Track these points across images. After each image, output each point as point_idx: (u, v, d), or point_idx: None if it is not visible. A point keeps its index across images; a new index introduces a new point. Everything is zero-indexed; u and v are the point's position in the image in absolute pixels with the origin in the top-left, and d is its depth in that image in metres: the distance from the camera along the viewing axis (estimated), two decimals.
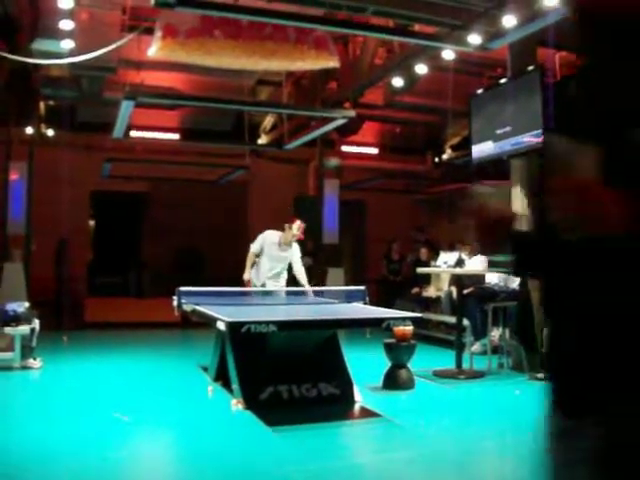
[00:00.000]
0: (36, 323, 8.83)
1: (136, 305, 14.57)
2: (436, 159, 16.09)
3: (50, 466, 4.99)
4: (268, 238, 9.17)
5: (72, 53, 9.34)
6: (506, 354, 8.96)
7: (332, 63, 9.32)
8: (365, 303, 8.21)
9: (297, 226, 9.04)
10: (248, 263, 9.17)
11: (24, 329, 8.59)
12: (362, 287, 8.55)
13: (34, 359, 8.69)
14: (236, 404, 6.60)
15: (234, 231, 16.33)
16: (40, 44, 9.53)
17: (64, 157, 13.85)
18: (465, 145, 11.32)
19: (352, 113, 10.96)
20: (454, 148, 15.37)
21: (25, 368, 8.53)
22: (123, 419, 6.30)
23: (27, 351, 8.64)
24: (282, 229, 9.11)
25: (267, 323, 6.15)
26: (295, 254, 9.22)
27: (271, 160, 15.79)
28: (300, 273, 9.17)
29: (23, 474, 4.78)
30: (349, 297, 8.62)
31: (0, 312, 8.81)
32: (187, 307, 7.77)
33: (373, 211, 17.66)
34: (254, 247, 9.21)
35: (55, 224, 13.94)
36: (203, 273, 14.87)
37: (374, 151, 16.76)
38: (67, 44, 9.29)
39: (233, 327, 6.07)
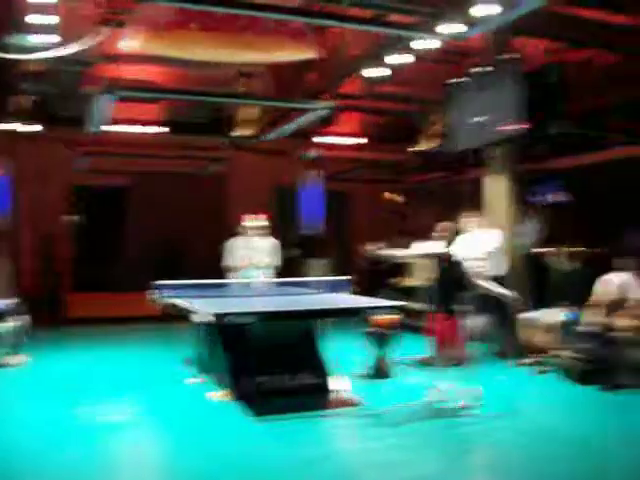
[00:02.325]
0: (26, 319, 8.81)
1: (118, 299, 14.48)
2: (415, 148, 16.11)
3: (33, 460, 5.01)
4: (231, 245, 9.64)
5: (48, 47, 9.28)
6: (489, 341, 9.02)
7: (310, 54, 9.32)
8: (350, 293, 8.26)
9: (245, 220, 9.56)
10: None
11: (10, 325, 8.60)
12: (347, 277, 8.58)
13: (19, 355, 8.68)
14: (218, 395, 6.63)
15: (214, 223, 16.28)
16: (17, 39, 9.46)
17: (44, 152, 13.80)
18: (444, 134, 11.35)
19: (332, 104, 10.98)
20: (434, 137, 15.39)
21: (10, 365, 8.53)
22: (104, 413, 6.33)
23: (14, 347, 8.62)
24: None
25: (247, 314, 6.19)
26: (267, 249, 9.62)
27: (250, 152, 15.76)
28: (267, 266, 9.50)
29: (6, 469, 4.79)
30: (334, 287, 8.66)
31: None
32: (166, 300, 7.75)
33: (356, 201, 17.68)
34: (226, 261, 9.56)
35: (37, 219, 13.90)
36: (184, 266, 14.81)
37: (354, 141, 16.75)
38: (44, 38, 9.22)
39: (213, 319, 6.09)
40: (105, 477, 4.81)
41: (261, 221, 9.45)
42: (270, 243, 9.56)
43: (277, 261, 9.52)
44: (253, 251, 9.46)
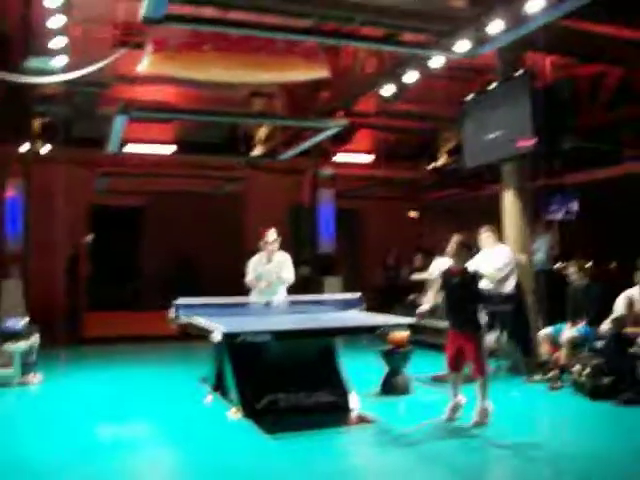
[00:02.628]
0: (36, 338, 8.87)
1: (134, 318, 14.55)
2: (430, 166, 16.14)
3: (42, 473, 5.04)
4: (254, 261, 9.40)
5: (65, 70, 9.41)
6: (502, 357, 9.01)
7: (323, 73, 9.38)
8: (361, 310, 8.26)
9: (269, 234, 9.34)
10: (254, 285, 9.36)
11: (23, 345, 8.64)
12: (358, 294, 8.59)
13: (34, 374, 8.73)
14: (234, 413, 6.65)
15: (231, 242, 16.36)
16: (33, 62, 9.59)
17: (60, 173, 13.92)
18: (459, 151, 11.38)
19: (345, 122, 11.03)
20: (448, 154, 15.42)
21: (25, 384, 8.57)
22: (120, 432, 6.36)
23: (27, 367, 8.68)
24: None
25: (262, 333, 6.23)
26: (282, 263, 9.36)
27: (266, 171, 15.84)
28: (283, 281, 9.33)
29: None
30: (346, 305, 8.66)
31: (0, 329, 8.86)
32: (183, 319, 7.79)
33: (369, 219, 17.71)
34: (249, 276, 9.35)
35: (53, 239, 13.99)
36: (200, 284, 14.89)
37: (369, 159, 16.80)
38: (60, 61, 9.35)
39: (228, 337, 6.13)
40: None
41: (274, 235, 9.40)
42: (284, 257, 9.52)
43: (292, 274, 9.45)
44: (273, 266, 9.41)
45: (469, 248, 6.66)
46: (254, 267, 9.38)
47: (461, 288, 6.44)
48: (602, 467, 5.29)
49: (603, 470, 5.23)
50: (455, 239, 6.56)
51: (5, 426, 6.86)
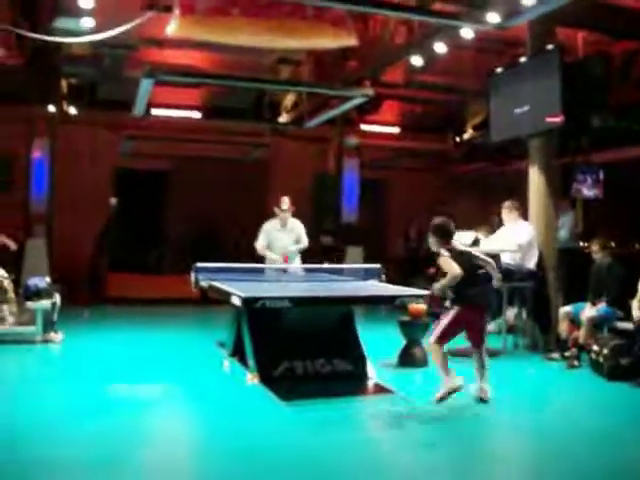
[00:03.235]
0: (57, 298, 8.98)
1: (156, 281, 14.69)
2: (457, 138, 16.05)
3: (64, 435, 5.12)
4: (267, 227, 9.60)
5: (93, 31, 9.40)
6: (521, 334, 9.00)
7: (350, 42, 9.30)
8: (381, 281, 8.26)
9: (283, 202, 9.54)
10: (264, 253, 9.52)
11: (45, 303, 8.76)
12: (377, 265, 8.59)
13: (55, 332, 8.84)
14: (251, 379, 6.70)
15: (255, 209, 16.39)
16: (61, 22, 9.59)
17: (86, 134, 13.99)
18: (486, 125, 11.29)
19: (371, 92, 10.96)
20: (475, 127, 15.31)
21: (46, 341, 8.70)
22: (139, 390, 6.44)
23: (48, 325, 8.80)
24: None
25: (281, 299, 6.25)
26: (296, 229, 9.63)
27: (292, 138, 15.82)
28: (298, 247, 9.62)
29: (39, 444, 4.90)
30: (365, 275, 8.68)
31: (22, 287, 8.99)
32: (204, 283, 7.86)
33: (393, 190, 17.65)
34: (260, 242, 9.53)
35: (77, 201, 14.10)
36: (223, 250, 14.96)
37: (395, 130, 16.72)
38: (88, 22, 9.34)
39: (248, 302, 6.16)
40: (132, 446, 4.90)
41: (288, 202, 9.60)
42: (298, 224, 9.71)
43: (306, 241, 9.66)
44: (287, 232, 9.62)
45: (445, 232, 6.26)
46: (267, 232, 9.56)
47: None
48: (614, 446, 5.28)
49: (615, 449, 5.22)
50: (435, 221, 6.35)
51: (24, 382, 6.97)
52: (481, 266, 6.27)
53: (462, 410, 6.08)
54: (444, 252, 6.08)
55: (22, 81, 12.13)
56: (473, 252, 6.39)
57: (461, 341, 8.67)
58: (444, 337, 6.12)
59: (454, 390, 5.97)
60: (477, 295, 6.16)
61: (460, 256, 6.12)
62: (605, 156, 12.61)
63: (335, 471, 4.51)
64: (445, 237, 6.23)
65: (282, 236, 9.56)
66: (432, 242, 6.31)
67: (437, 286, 6.09)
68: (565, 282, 9.31)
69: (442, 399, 5.95)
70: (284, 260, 9.52)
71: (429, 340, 6.17)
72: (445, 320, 6.12)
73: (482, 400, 6.11)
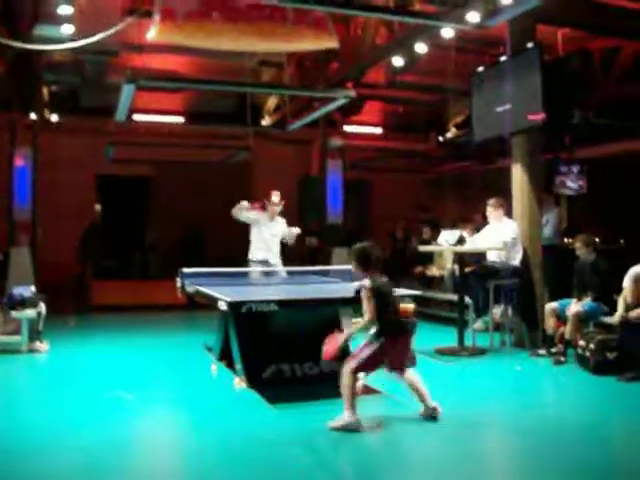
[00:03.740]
0: (42, 307, 8.93)
1: (142, 287, 14.63)
2: (440, 138, 16.08)
3: (54, 445, 5.09)
4: (257, 215, 9.90)
5: (73, 38, 9.37)
6: (508, 331, 9.03)
7: (331, 44, 9.31)
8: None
9: (274, 196, 9.89)
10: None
11: (30, 313, 8.71)
12: None
13: (41, 342, 8.79)
14: (239, 383, 6.69)
15: None
16: (41, 30, 9.56)
17: (68, 142, 13.94)
18: (468, 124, 11.33)
19: (352, 93, 10.96)
20: (458, 127, 15.35)
21: (32, 351, 8.65)
22: (127, 398, 6.42)
23: (34, 334, 8.75)
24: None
25: (268, 302, 6.24)
26: (282, 226, 9.97)
27: (274, 141, 15.82)
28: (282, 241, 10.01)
29: (27, 455, 4.88)
30: (352, 276, 8.67)
31: (7, 296, 8.93)
32: (190, 288, 7.85)
33: (377, 190, 17.71)
34: (240, 212, 9.86)
35: (61, 208, 14.05)
36: (207, 254, 14.94)
37: (377, 131, 16.76)
38: (68, 29, 9.31)
39: (234, 307, 6.16)
40: (122, 453, 4.89)
41: (279, 196, 9.98)
42: (283, 221, 10.06)
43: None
44: (274, 226, 9.94)
45: (367, 259, 5.70)
46: (255, 218, 9.87)
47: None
48: (602, 441, 5.32)
49: (602, 443, 5.26)
50: (356, 245, 5.87)
51: (11, 392, 6.94)
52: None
53: (450, 409, 6.09)
54: (367, 284, 5.59)
55: (3, 89, 12.06)
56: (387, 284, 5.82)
57: (446, 340, 8.78)
58: (364, 368, 5.66)
59: (350, 428, 5.38)
60: (400, 323, 5.81)
61: (382, 287, 5.70)
62: (588, 152, 12.70)
63: (323, 474, 4.52)
64: (367, 265, 5.70)
65: (268, 229, 9.83)
66: (353, 268, 5.85)
67: (344, 337, 5.65)
68: (550, 278, 9.36)
69: (334, 429, 5.38)
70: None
71: (347, 365, 5.52)
72: (368, 351, 5.57)
73: (433, 418, 5.66)
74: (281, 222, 9.96)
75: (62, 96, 13.37)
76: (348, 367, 5.50)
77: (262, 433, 5.39)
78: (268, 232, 9.82)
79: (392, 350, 5.65)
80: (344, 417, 5.40)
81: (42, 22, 9.57)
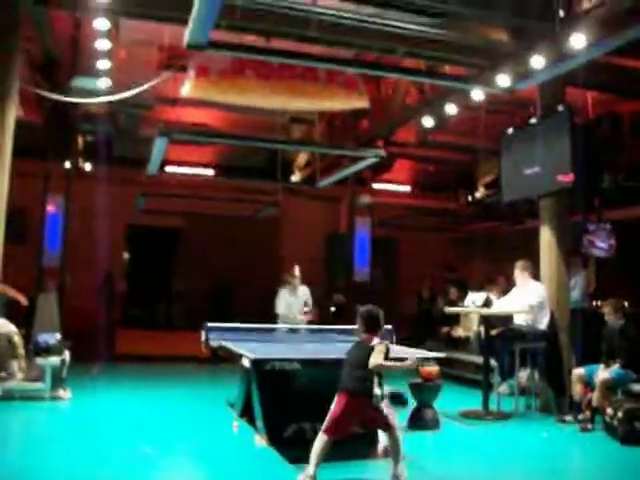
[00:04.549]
0: (66, 355, 8.96)
1: (166, 338, 14.66)
2: (469, 197, 16.09)
3: None
4: (282, 294, 10.83)
5: (109, 91, 9.57)
6: (534, 395, 8.89)
7: (362, 103, 9.42)
8: (392, 342, 8.20)
9: (295, 270, 10.86)
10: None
11: (55, 360, 8.74)
12: (389, 326, 8.53)
13: (64, 390, 8.80)
14: (260, 440, 6.63)
15: (266, 267, 16.42)
16: (79, 82, 9.79)
17: (100, 191, 14.12)
18: (497, 184, 11.34)
19: (382, 152, 11.04)
20: (487, 186, 15.36)
21: (55, 398, 8.65)
22: (147, 450, 6.38)
23: (57, 382, 8.76)
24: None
25: (291, 360, 6.22)
26: (305, 296, 10.93)
27: (303, 197, 15.92)
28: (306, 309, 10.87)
29: None
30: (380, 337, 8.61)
31: (32, 342, 8.98)
32: (214, 343, 7.85)
33: (405, 249, 17.67)
34: (280, 309, 10.75)
35: (90, 256, 14.17)
36: (234, 308, 14.95)
37: (406, 189, 16.81)
38: (105, 82, 9.53)
39: (257, 364, 6.15)
40: None
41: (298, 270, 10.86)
42: (306, 290, 10.97)
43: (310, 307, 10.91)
44: (299, 297, 10.82)
45: (374, 319, 5.84)
46: (284, 299, 10.73)
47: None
48: None
49: None
50: (361, 309, 5.93)
51: (32, 439, 6.93)
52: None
53: (474, 473, 5.99)
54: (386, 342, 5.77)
55: (39, 137, 12.29)
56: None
57: (470, 403, 8.65)
58: (332, 429, 5.57)
59: None
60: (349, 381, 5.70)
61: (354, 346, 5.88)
62: (616, 215, 12.61)
63: None
64: (376, 326, 5.84)
65: (294, 301, 10.68)
66: (358, 328, 5.91)
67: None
68: (578, 343, 9.23)
69: None
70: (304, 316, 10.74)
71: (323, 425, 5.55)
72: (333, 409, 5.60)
73: None
74: (304, 292, 10.90)
75: (96, 146, 13.58)
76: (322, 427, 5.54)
77: None
78: (294, 306, 10.77)
79: (354, 412, 5.60)
80: (302, 474, 5.38)
81: (80, 75, 9.80)
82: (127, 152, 13.86)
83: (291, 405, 6.74)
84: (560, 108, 8.79)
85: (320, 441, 5.47)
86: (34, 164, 12.81)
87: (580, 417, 7.94)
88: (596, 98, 10.85)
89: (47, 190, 13.69)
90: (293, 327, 9.66)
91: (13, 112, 7.25)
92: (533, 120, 9.46)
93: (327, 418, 5.55)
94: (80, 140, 13.57)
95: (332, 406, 5.59)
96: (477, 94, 9.17)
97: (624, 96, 10.84)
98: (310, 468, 5.37)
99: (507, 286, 9.86)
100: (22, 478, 5.44)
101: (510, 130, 9.90)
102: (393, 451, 5.60)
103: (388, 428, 5.63)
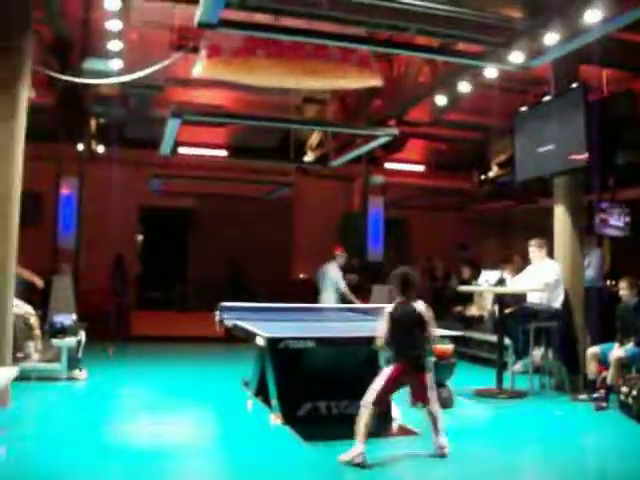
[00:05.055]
0: (82, 335, 9.03)
1: (181, 319, 14.72)
2: (482, 177, 16.02)
3: (87, 472, 5.11)
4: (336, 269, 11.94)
5: (121, 72, 9.56)
6: (548, 374, 8.89)
7: (375, 82, 9.35)
8: None
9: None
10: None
11: (70, 341, 8.80)
12: None
13: (80, 370, 8.87)
14: (275, 419, 6.66)
15: (279, 247, 16.46)
16: (90, 64, 9.79)
17: (113, 173, 14.15)
18: (510, 163, 11.27)
19: (395, 131, 11.00)
20: (500, 165, 15.29)
21: (71, 379, 8.72)
22: (162, 430, 6.42)
23: (73, 362, 8.83)
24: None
25: (305, 339, 6.23)
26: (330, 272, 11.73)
27: (316, 177, 15.90)
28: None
29: None
30: None
31: (48, 324, 9.04)
32: (229, 322, 7.88)
33: (418, 228, 17.64)
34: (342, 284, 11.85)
35: (104, 238, 14.24)
36: (247, 288, 14.98)
37: (419, 168, 16.75)
38: (116, 64, 9.52)
39: (272, 343, 6.17)
40: None
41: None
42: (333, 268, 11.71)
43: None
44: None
45: (405, 282, 5.90)
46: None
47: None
48: None
49: None
50: (396, 272, 6.00)
51: (48, 418, 6.99)
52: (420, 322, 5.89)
53: (487, 452, 6.00)
54: (387, 309, 5.89)
55: (51, 120, 12.31)
56: (418, 308, 5.90)
57: (484, 381, 8.66)
58: (380, 400, 5.72)
59: (355, 462, 5.39)
60: (412, 357, 5.80)
61: (402, 315, 5.85)
62: (631, 194, 12.52)
63: None
64: (405, 289, 5.91)
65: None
66: (392, 290, 6.08)
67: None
68: (592, 321, 9.21)
69: (343, 462, 5.42)
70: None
71: (366, 399, 5.65)
72: (381, 380, 5.73)
73: (441, 456, 5.66)
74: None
75: (108, 128, 13.60)
76: (366, 401, 5.64)
77: (296, 470, 5.36)
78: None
79: (405, 379, 5.79)
80: (352, 451, 5.45)
81: (91, 56, 9.79)
82: (139, 134, 13.87)
83: (306, 384, 6.78)
84: (574, 85, 8.72)
85: (367, 414, 5.58)
86: (47, 147, 12.83)
87: (594, 395, 7.92)
88: (611, 76, 10.76)
89: (60, 173, 13.73)
90: (306, 306, 9.61)
91: (26, 94, 7.25)
92: (547, 98, 9.39)
93: (375, 389, 5.68)
94: (92, 122, 13.58)
95: (381, 377, 5.75)
96: (491, 72, 9.12)
97: (639, 73, 10.74)
98: (359, 444, 5.46)
99: (523, 265, 9.83)
100: (40, 457, 5.49)
101: (524, 108, 9.84)
102: (434, 423, 5.73)
103: (429, 401, 5.76)
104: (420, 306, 5.88)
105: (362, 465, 5.35)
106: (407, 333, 5.81)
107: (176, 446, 6.03)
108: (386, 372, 5.77)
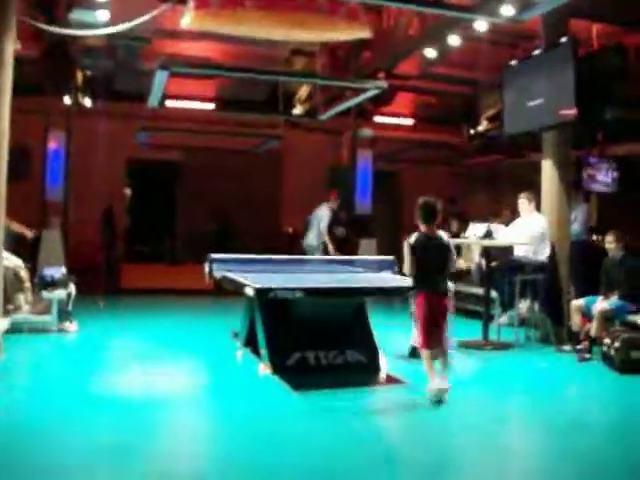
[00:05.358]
0: (72, 288, 9.07)
1: (170, 272, 14.78)
2: (471, 131, 15.99)
3: (78, 424, 5.20)
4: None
5: (108, 23, 9.45)
6: (533, 326, 9.02)
7: (364, 34, 9.29)
8: (394, 273, 8.29)
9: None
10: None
11: (60, 293, 8.86)
12: (391, 257, 8.63)
13: (70, 322, 8.94)
14: (264, 369, 6.75)
15: (268, 200, 16.47)
16: (77, 15, 9.65)
17: (101, 126, 14.06)
18: (500, 116, 11.27)
19: (384, 84, 10.96)
20: (490, 120, 15.25)
21: (61, 331, 8.79)
22: (153, 379, 6.50)
23: (63, 314, 8.90)
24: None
25: (294, 289, 6.30)
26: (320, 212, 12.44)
27: (305, 130, 15.84)
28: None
29: (51, 433, 4.98)
30: (379, 267, 8.73)
31: (38, 276, 9.09)
32: (218, 274, 7.94)
33: (407, 182, 17.63)
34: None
35: (92, 191, 14.21)
36: (236, 241, 15.02)
37: (408, 122, 16.70)
38: (103, 14, 9.41)
39: (260, 293, 6.23)
40: (146, 434, 5.01)
41: None
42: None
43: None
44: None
45: (429, 211, 6.11)
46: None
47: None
48: (625, 440, 5.31)
49: (626, 443, 5.25)
50: (420, 201, 6.21)
51: (39, 370, 7.07)
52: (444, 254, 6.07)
53: (472, 401, 6.12)
54: (410, 240, 6.01)
55: (38, 73, 12.17)
56: (443, 239, 6.12)
57: (471, 333, 8.77)
58: (427, 339, 5.95)
59: (441, 392, 5.76)
60: (436, 282, 6.00)
61: (425, 245, 5.99)
62: (620, 149, 12.56)
63: (346, 460, 4.56)
64: (428, 218, 6.09)
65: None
66: (416, 218, 6.20)
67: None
68: (577, 275, 9.32)
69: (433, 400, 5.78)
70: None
71: (420, 347, 6.04)
72: (417, 323, 6.05)
73: (438, 402, 5.81)
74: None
75: (96, 81, 13.46)
76: (420, 347, 6.05)
77: (285, 419, 5.46)
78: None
79: (432, 307, 5.93)
80: (432, 385, 5.80)
81: (78, 7, 9.66)
82: (127, 86, 13.73)
83: (294, 334, 6.87)
84: (564, 39, 8.70)
85: (426, 359, 5.90)
86: (34, 100, 12.70)
87: (578, 347, 8.06)
88: (602, 30, 10.71)
89: (48, 127, 13.62)
90: (294, 258, 9.67)
91: (11, 46, 7.17)
92: (537, 52, 9.36)
93: (417, 335, 6.12)
94: (79, 75, 13.43)
95: (416, 321, 6.10)
96: (481, 25, 9.08)
97: (630, 27, 10.68)
98: (433, 381, 5.80)
99: (512, 219, 9.91)
100: (31, 408, 5.57)
101: (513, 62, 9.82)
102: (444, 364, 5.94)
103: (446, 338, 6.14)
104: (445, 236, 6.08)
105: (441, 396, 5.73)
106: (433, 264, 5.97)
107: (166, 396, 6.11)
108: (417, 313, 6.02)
